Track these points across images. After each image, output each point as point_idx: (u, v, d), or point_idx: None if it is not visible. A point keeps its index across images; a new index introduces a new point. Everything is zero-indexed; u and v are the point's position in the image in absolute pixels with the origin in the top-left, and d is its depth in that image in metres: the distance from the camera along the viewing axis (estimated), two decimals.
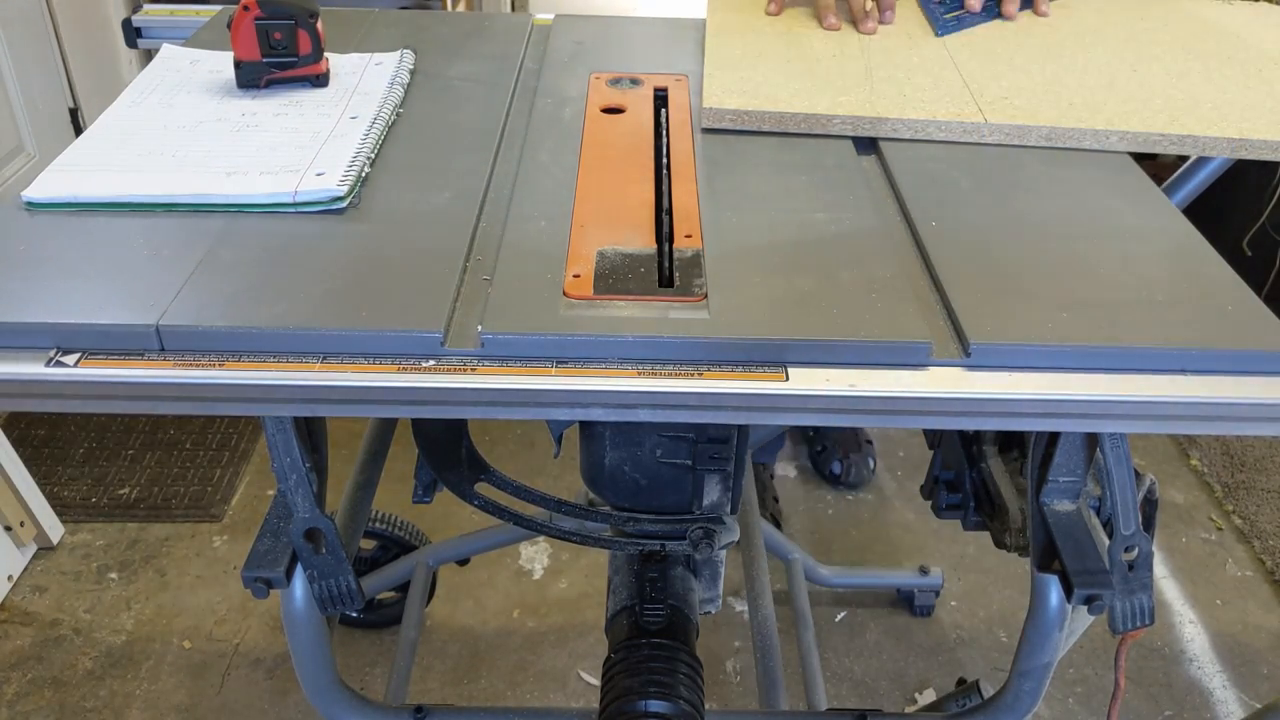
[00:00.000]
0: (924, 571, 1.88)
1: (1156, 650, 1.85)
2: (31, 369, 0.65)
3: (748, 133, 0.97)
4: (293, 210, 0.82)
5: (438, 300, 0.70)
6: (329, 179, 0.84)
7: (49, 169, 0.86)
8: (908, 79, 1.04)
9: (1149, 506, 0.88)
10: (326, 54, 1.03)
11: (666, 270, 0.76)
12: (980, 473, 0.98)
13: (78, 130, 2.46)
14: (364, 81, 1.05)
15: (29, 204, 0.81)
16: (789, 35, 1.15)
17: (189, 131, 0.93)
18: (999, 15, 1.21)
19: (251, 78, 1.01)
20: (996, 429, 0.98)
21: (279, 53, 0.99)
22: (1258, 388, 0.67)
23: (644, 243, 0.79)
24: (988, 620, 1.90)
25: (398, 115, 1.00)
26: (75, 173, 0.86)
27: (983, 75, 1.05)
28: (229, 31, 0.99)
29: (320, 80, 1.02)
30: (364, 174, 0.87)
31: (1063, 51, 1.12)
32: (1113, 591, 0.82)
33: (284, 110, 0.98)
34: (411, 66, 1.10)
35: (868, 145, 0.98)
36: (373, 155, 0.90)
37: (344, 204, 0.82)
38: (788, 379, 0.67)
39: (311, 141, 0.91)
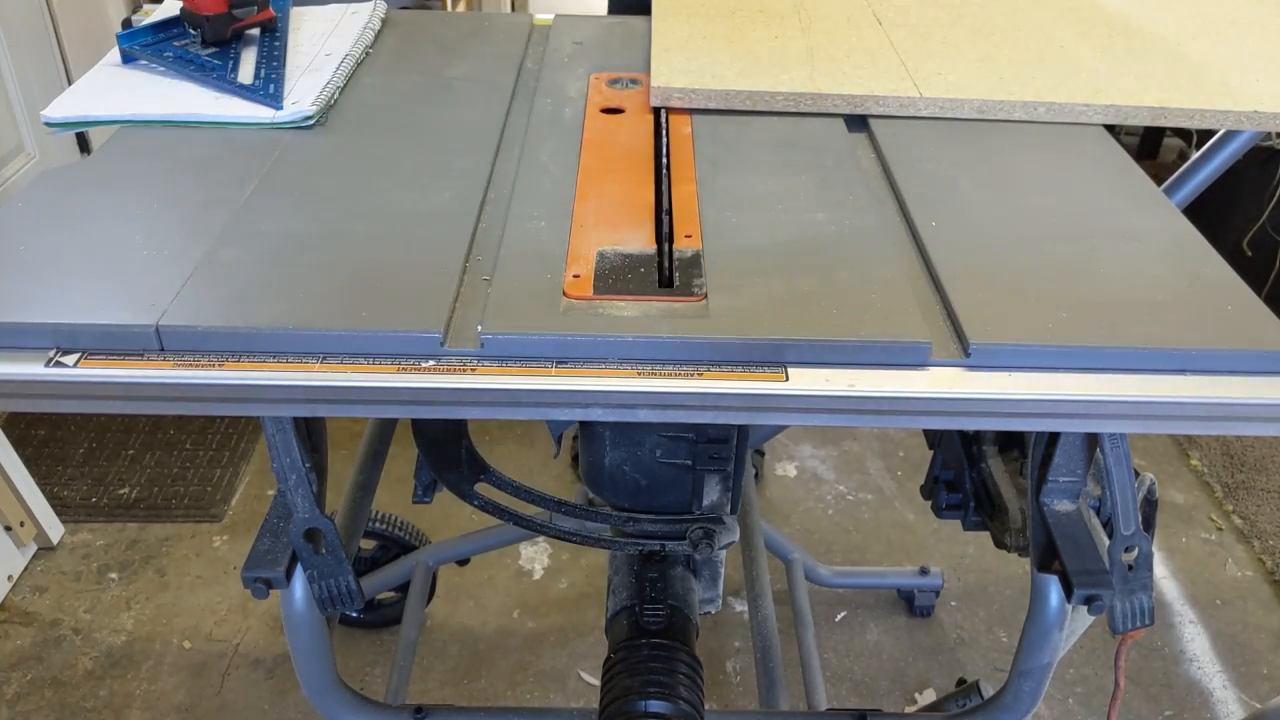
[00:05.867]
0: (924, 571, 1.88)
1: (1156, 650, 1.85)
2: (31, 369, 0.65)
3: (747, 134, 0.97)
4: (270, 126, 0.95)
5: (438, 300, 0.70)
6: (303, 104, 0.97)
7: (65, 93, 0.99)
8: (847, 58, 1.08)
9: (1149, 506, 0.88)
10: (308, 7, 1.15)
11: (666, 270, 0.76)
12: (980, 473, 0.98)
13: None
14: (339, 27, 1.15)
15: (48, 123, 0.93)
16: (733, 18, 1.19)
17: (178, 78, 1.04)
18: None
19: (220, 31, 1.06)
20: (996, 429, 0.98)
21: (241, 2, 1.06)
22: (1258, 388, 0.67)
23: (644, 243, 0.79)
24: (988, 620, 1.90)
25: (367, 54, 1.13)
26: (86, 96, 0.98)
27: (918, 54, 1.10)
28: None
29: (269, 25, 1.10)
30: (333, 99, 1.01)
31: (994, 31, 1.17)
32: (1113, 592, 0.82)
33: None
34: (383, 15, 1.22)
35: (859, 125, 1.01)
36: (342, 85, 1.04)
37: (312, 122, 0.96)
38: (788, 379, 0.67)
39: (289, 75, 1.03)
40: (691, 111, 1.01)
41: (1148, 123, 1.00)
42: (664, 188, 0.88)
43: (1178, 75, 1.05)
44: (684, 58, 1.07)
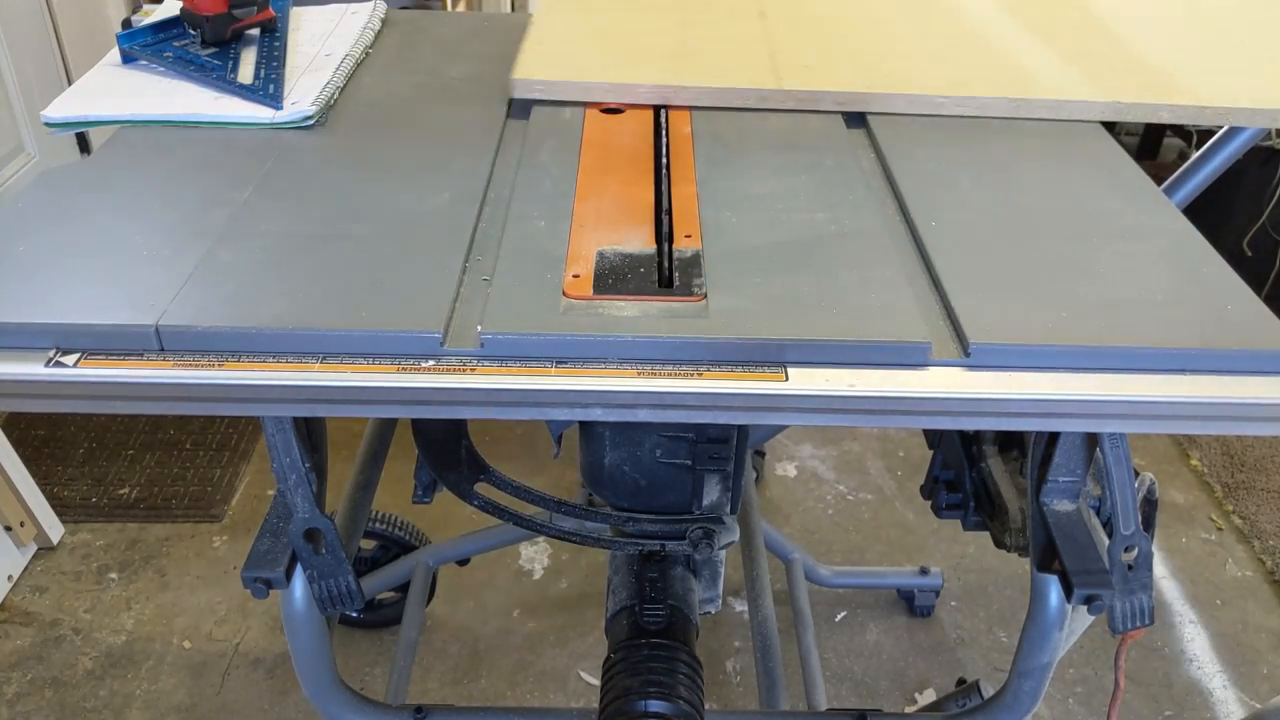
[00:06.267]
0: (924, 571, 1.88)
1: (1156, 650, 1.85)
2: (31, 369, 0.65)
3: (748, 134, 0.97)
4: (270, 126, 0.96)
5: (438, 300, 0.70)
6: (303, 104, 0.98)
7: (65, 93, 0.98)
8: (717, 51, 1.08)
9: (1149, 506, 0.88)
10: (308, 7, 1.15)
11: (666, 270, 0.76)
12: (980, 473, 0.98)
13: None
14: (339, 27, 1.15)
15: (48, 123, 0.92)
16: (613, 15, 1.19)
17: (178, 78, 1.03)
18: None
19: (220, 31, 1.06)
20: (996, 429, 0.98)
21: (241, 2, 1.06)
22: (1258, 388, 0.67)
23: (644, 243, 0.79)
24: (988, 620, 1.90)
25: (367, 54, 1.13)
26: (86, 96, 0.98)
27: (794, 48, 1.09)
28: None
29: (269, 25, 1.10)
30: (333, 99, 1.01)
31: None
32: (1112, 591, 0.82)
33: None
34: (383, 15, 1.22)
35: (858, 121, 1.00)
36: (342, 85, 1.04)
37: (312, 122, 0.96)
38: (787, 379, 0.67)
39: (289, 76, 1.03)
40: (693, 109, 1.01)
41: (1147, 120, 1.00)
42: (664, 188, 0.88)
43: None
44: (553, 51, 1.07)
